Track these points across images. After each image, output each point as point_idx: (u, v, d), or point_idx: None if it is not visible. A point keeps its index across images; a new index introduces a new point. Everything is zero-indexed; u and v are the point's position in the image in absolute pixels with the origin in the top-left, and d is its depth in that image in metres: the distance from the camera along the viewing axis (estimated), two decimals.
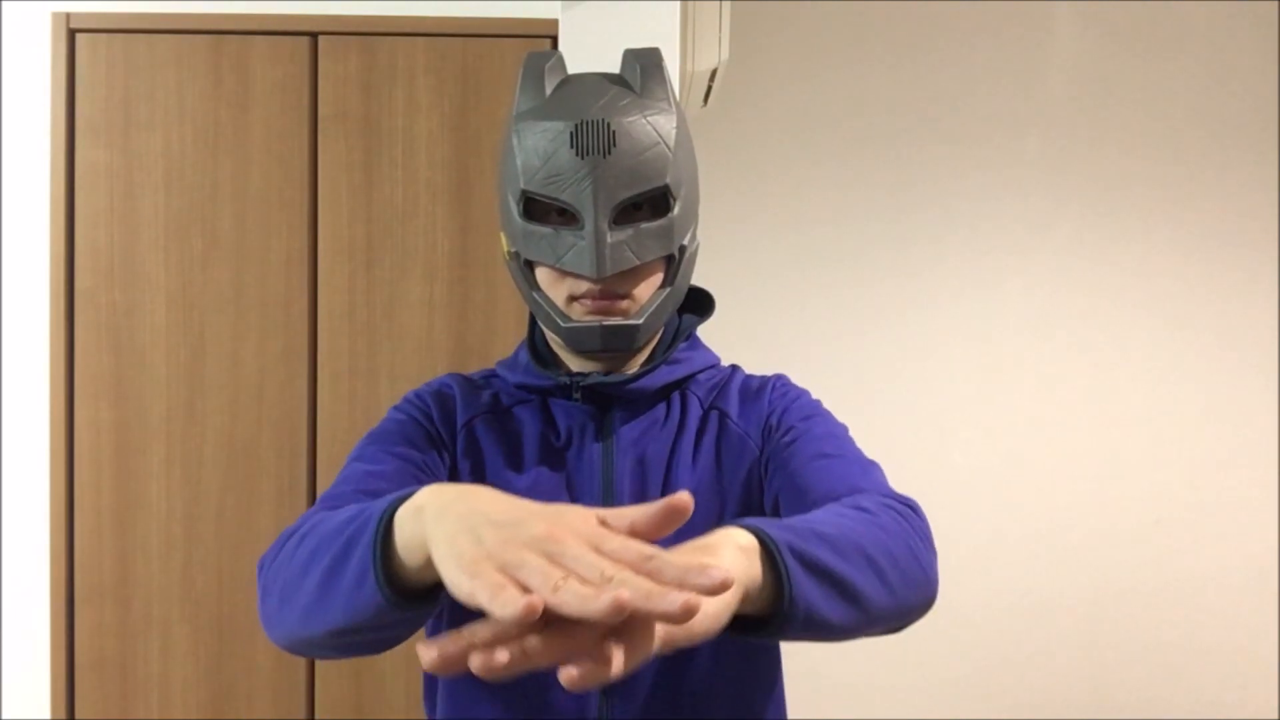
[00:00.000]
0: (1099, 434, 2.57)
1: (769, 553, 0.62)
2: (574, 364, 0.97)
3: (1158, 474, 2.57)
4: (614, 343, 0.90)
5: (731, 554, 0.59)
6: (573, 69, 0.97)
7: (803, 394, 0.99)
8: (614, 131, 0.86)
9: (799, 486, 0.87)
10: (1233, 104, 2.56)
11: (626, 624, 0.50)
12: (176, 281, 1.86)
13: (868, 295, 2.57)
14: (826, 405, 0.98)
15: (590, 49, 1.60)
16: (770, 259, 2.56)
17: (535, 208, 0.91)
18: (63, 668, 1.84)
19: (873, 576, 0.69)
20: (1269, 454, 2.58)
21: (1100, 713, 2.57)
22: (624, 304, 0.90)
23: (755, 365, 1.06)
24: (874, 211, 2.56)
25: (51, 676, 1.84)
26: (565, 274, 0.90)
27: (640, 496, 0.91)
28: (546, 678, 0.87)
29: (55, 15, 1.84)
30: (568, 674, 0.48)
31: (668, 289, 0.92)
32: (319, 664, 1.86)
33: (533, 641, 0.49)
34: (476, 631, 0.50)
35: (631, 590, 0.48)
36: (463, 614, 0.69)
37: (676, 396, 0.97)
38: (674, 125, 0.90)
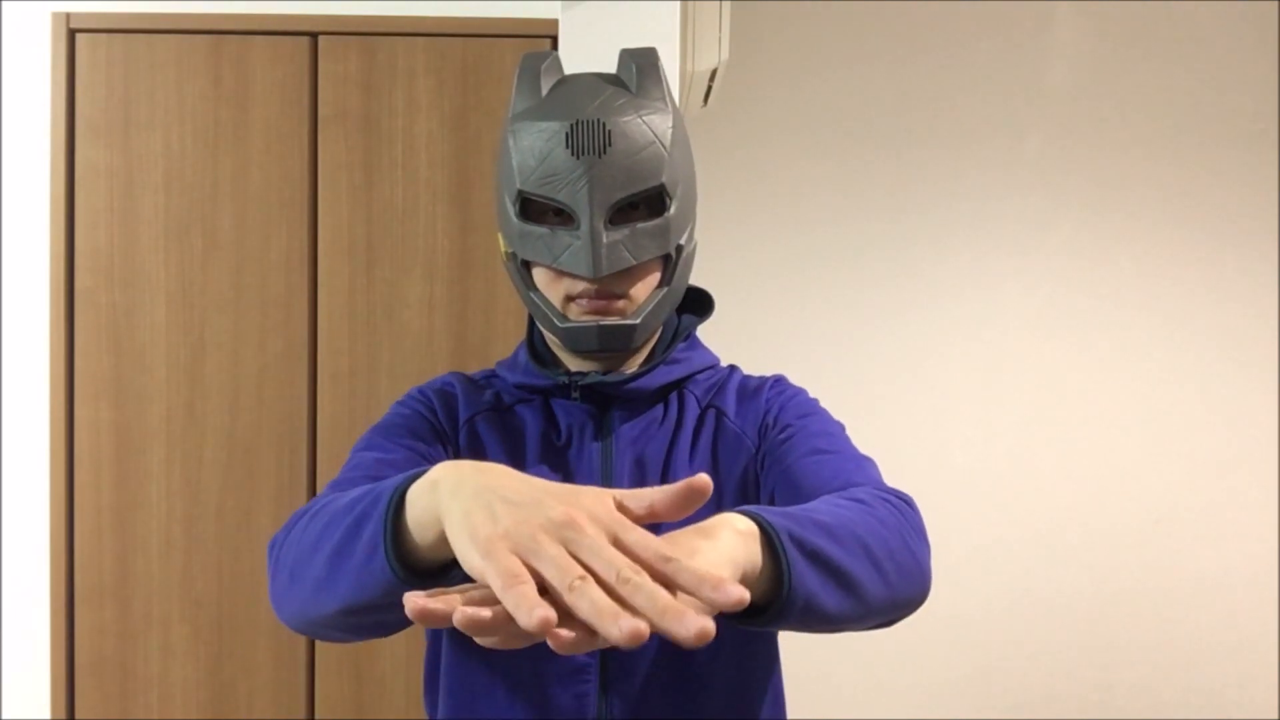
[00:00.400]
0: (1099, 434, 2.57)
1: (769, 539, 0.62)
2: (573, 364, 0.97)
3: (1158, 474, 2.57)
4: (611, 342, 0.90)
5: (730, 538, 0.59)
6: (572, 69, 0.97)
7: (800, 392, 0.99)
8: (609, 131, 0.86)
9: (794, 482, 0.87)
10: (1233, 104, 2.56)
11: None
12: (176, 281, 1.86)
13: (868, 295, 2.56)
14: (826, 405, 0.98)
15: (590, 49, 1.60)
16: (770, 259, 2.55)
17: (531, 208, 0.91)
18: (63, 668, 1.84)
19: (870, 567, 0.69)
20: (1269, 454, 2.58)
21: (1100, 712, 2.57)
22: (621, 304, 0.90)
23: (755, 365, 1.06)
24: (874, 211, 2.56)
25: (51, 677, 1.85)
26: (562, 274, 0.90)
27: None
28: (547, 676, 0.89)
29: (55, 15, 1.85)
30: (560, 636, 0.48)
31: (665, 289, 0.92)
32: (319, 664, 1.86)
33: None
34: (471, 595, 0.50)
35: (646, 599, 0.47)
36: None
37: (675, 396, 0.97)
38: (670, 125, 0.90)
